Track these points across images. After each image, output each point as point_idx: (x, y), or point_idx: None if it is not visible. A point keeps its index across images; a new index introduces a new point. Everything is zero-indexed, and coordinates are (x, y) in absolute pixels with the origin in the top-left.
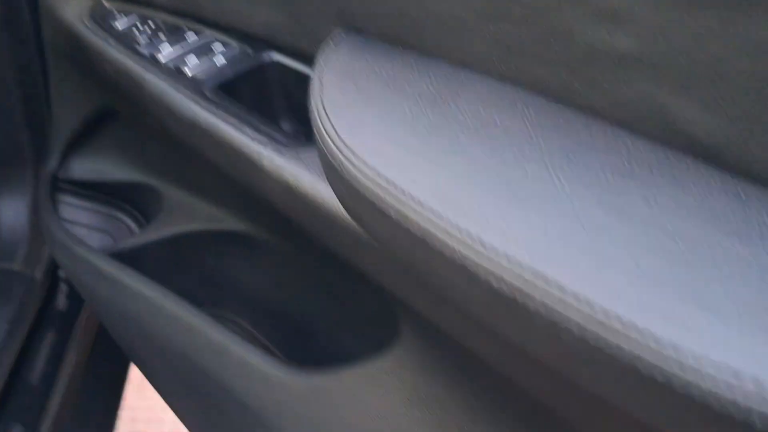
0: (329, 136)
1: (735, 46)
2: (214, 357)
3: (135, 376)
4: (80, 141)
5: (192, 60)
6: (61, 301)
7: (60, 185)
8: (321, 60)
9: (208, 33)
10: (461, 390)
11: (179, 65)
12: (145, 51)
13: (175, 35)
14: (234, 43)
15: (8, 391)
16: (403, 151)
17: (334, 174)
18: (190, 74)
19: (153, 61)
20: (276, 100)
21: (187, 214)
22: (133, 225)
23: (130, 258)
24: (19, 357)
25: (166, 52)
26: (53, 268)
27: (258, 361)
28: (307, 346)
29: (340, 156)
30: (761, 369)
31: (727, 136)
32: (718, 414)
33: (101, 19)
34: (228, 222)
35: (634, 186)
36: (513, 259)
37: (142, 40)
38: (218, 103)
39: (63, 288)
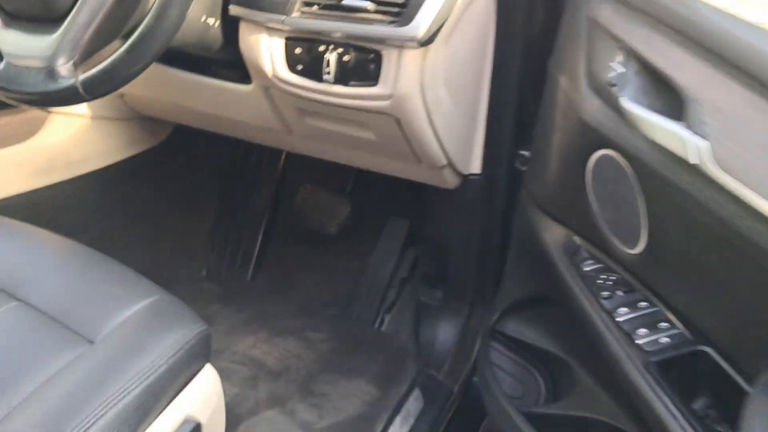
0: None
1: None
2: None
3: None
4: (517, 307)
5: (642, 331)
6: (465, 414)
7: (494, 334)
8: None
9: (659, 307)
10: None
11: (630, 332)
12: (606, 305)
13: (631, 298)
14: (678, 325)
15: None
16: None
17: None
18: (638, 342)
19: (611, 319)
20: (700, 391)
21: (596, 402)
22: (542, 384)
23: (537, 420)
24: None
25: (622, 315)
26: (466, 386)
27: None
28: None
29: None
30: None
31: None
32: None
33: (572, 253)
34: (625, 423)
35: None
36: None
37: (604, 293)
38: (657, 380)
39: (470, 401)
